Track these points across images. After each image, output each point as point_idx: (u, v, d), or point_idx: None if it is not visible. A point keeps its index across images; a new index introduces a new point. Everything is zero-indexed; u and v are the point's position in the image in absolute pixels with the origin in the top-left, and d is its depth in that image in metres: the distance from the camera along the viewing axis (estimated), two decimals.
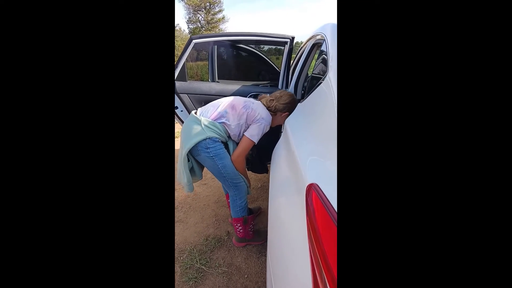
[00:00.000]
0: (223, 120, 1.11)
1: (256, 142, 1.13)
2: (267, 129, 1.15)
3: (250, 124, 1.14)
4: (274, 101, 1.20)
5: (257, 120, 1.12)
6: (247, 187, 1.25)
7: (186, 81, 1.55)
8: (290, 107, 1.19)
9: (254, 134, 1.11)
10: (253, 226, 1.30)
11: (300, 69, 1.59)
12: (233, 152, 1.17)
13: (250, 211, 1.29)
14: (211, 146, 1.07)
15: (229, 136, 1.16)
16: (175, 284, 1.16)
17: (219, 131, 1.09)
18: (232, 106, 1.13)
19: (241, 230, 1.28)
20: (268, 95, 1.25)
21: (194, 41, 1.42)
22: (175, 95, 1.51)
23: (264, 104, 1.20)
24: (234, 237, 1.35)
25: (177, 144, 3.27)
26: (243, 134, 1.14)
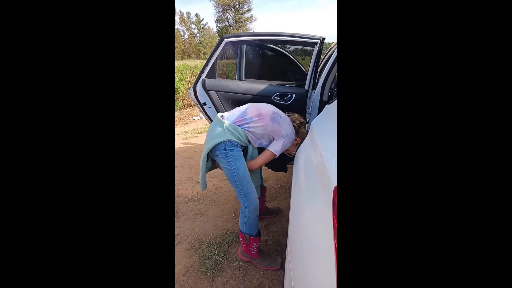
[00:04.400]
0: (247, 127, 1.13)
1: (277, 156, 1.19)
2: (289, 145, 1.20)
3: (274, 138, 1.17)
4: (303, 124, 1.29)
5: (282, 136, 1.16)
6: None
7: (215, 78, 1.60)
8: (303, 137, 1.24)
9: (277, 149, 1.16)
10: (256, 248, 1.23)
11: (328, 71, 1.56)
12: (251, 157, 1.22)
13: (258, 233, 1.23)
14: (229, 148, 1.10)
15: (249, 141, 1.18)
16: (194, 273, 1.21)
17: (239, 136, 1.11)
18: (259, 115, 1.14)
19: (243, 245, 1.25)
20: (297, 114, 1.32)
21: (225, 40, 1.46)
22: (204, 92, 1.56)
23: (292, 120, 1.25)
24: (239, 249, 1.32)
25: (201, 140, 3.38)
26: (266, 147, 1.19)
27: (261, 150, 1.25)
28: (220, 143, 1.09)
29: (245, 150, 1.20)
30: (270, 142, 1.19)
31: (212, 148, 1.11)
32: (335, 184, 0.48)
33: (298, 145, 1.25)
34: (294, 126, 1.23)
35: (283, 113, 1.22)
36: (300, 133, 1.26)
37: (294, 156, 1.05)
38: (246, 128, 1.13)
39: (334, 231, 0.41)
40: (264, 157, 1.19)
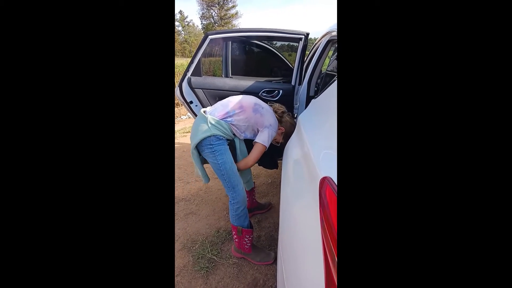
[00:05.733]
0: (230, 120, 1.14)
1: (267, 147, 1.20)
2: (274, 134, 1.22)
3: (258, 129, 1.19)
4: (285, 113, 1.31)
5: (266, 126, 1.18)
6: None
7: (201, 76, 1.58)
8: (290, 126, 1.26)
9: (265, 140, 1.18)
10: (249, 241, 1.23)
11: (314, 66, 1.58)
12: (240, 150, 1.23)
13: (250, 225, 1.24)
14: (215, 143, 1.11)
15: (235, 135, 1.19)
16: (188, 273, 1.21)
17: (224, 130, 1.12)
18: (241, 107, 1.15)
19: (236, 240, 1.25)
20: (278, 104, 1.33)
21: (210, 37, 1.44)
22: (191, 90, 1.54)
23: (274, 110, 1.26)
24: (233, 245, 1.32)
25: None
26: (251, 139, 1.20)
27: (247, 142, 1.26)
28: (205, 138, 1.10)
29: (232, 144, 1.21)
30: (255, 134, 1.21)
31: (198, 143, 1.12)
32: (321, 176, 0.49)
33: (283, 133, 1.28)
34: (276, 117, 1.25)
35: (265, 104, 1.24)
36: (284, 121, 1.28)
37: (283, 150, 1.06)
38: (230, 121, 1.14)
39: (321, 223, 0.42)
40: (256, 151, 1.20)
